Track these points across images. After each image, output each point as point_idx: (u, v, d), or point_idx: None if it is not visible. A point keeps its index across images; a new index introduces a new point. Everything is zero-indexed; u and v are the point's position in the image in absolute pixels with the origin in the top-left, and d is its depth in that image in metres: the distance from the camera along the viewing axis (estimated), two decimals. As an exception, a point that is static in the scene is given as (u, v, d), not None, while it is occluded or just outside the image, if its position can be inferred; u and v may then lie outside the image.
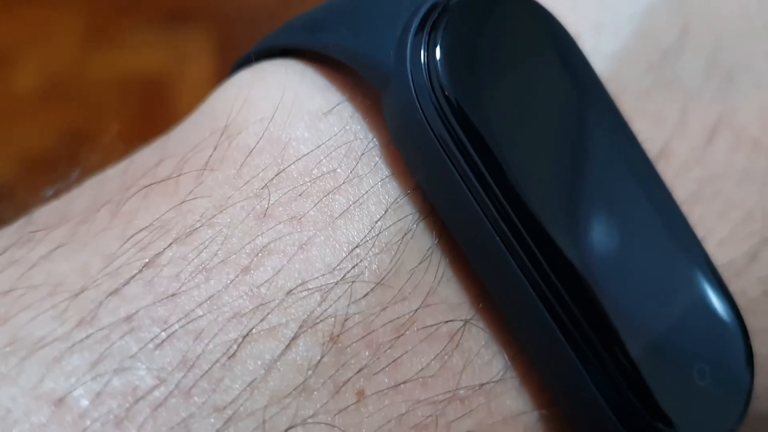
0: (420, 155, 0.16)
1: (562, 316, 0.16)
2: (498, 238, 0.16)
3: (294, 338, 0.15)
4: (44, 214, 0.17)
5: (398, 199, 0.17)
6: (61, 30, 0.59)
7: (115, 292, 0.15)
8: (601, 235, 0.17)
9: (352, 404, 0.15)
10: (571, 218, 0.16)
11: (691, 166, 0.18)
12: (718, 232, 0.18)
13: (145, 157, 0.17)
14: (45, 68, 0.58)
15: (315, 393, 0.15)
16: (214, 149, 0.17)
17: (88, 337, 0.14)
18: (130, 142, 0.19)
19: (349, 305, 0.16)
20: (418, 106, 0.16)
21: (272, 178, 0.16)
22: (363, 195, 0.16)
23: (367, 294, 0.16)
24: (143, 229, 0.16)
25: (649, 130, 0.18)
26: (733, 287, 0.18)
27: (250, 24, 0.59)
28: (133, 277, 0.15)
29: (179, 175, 0.16)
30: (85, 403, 0.14)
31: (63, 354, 0.14)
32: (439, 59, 0.16)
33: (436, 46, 0.16)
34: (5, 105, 0.56)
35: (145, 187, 0.16)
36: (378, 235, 0.16)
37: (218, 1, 0.63)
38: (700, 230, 0.18)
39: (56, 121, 0.56)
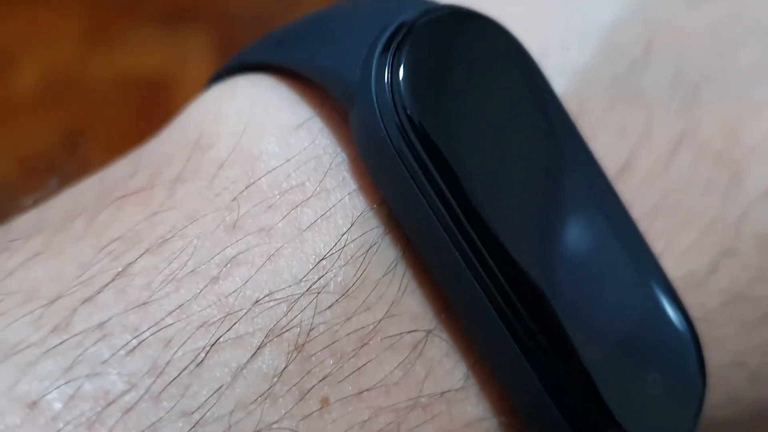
0: (384, 172, 0.17)
1: (518, 328, 0.16)
2: (457, 254, 0.16)
3: (260, 347, 0.16)
4: (22, 223, 0.17)
5: (365, 213, 0.17)
6: (61, 30, 0.60)
7: (88, 299, 0.16)
8: (557, 252, 0.17)
9: (315, 411, 0.16)
10: (528, 235, 0.17)
11: (654, 178, 0.19)
12: (679, 244, 0.19)
13: (120, 168, 0.18)
14: (45, 68, 0.58)
15: (280, 400, 0.16)
16: (187, 162, 0.17)
17: (62, 343, 0.15)
18: (131, 141, 0.19)
19: (314, 315, 0.16)
20: (382, 124, 0.16)
21: (242, 191, 0.17)
22: (330, 208, 0.17)
23: (332, 305, 0.16)
24: (116, 239, 0.16)
25: (613, 142, 0.19)
26: (693, 298, 0.19)
27: (250, 24, 0.59)
28: (106, 285, 0.16)
29: (152, 187, 0.17)
30: (58, 406, 0.15)
31: (38, 359, 0.15)
32: (402, 79, 0.17)
33: (400, 66, 0.17)
34: (5, 105, 0.56)
35: (119, 198, 0.17)
36: (344, 247, 0.17)
37: (218, 1, 0.63)
38: (662, 242, 0.19)
39: (56, 121, 0.56)
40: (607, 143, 0.19)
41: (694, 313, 0.18)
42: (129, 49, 0.59)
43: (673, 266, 0.19)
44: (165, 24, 0.60)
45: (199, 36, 0.60)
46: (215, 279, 0.16)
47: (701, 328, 0.18)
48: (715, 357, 0.19)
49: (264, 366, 0.16)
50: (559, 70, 0.19)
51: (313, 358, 0.16)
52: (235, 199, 0.17)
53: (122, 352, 0.15)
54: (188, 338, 0.15)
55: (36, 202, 0.18)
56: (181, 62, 0.59)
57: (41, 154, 0.53)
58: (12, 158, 0.55)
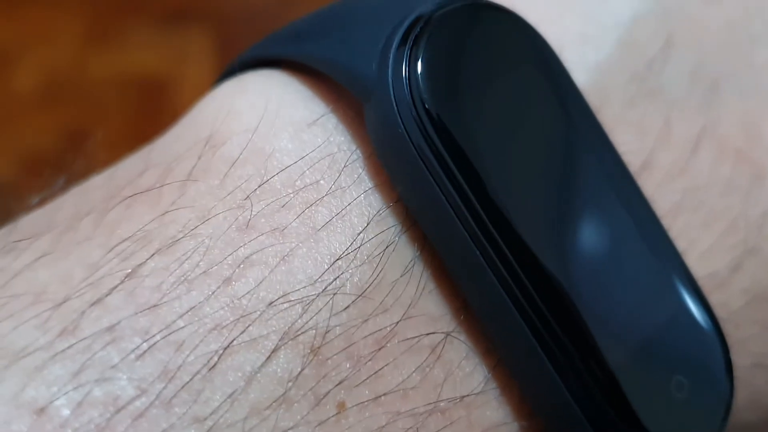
0: (401, 169, 0.16)
1: (541, 329, 0.16)
2: (478, 252, 0.16)
3: (275, 350, 0.15)
4: (29, 222, 0.17)
5: (381, 212, 0.17)
6: (61, 30, 0.59)
7: (97, 302, 0.15)
8: (580, 249, 0.17)
9: (332, 416, 0.15)
10: (550, 232, 0.17)
11: (674, 176, 0.19)
12: (701, 243, 0.18)
13: (129, 166, 0.18)
14: (45, 68, 0.58)
15: (295, 405, 0.15)
16: (198, 159, 0.17)
17: (70, 347, 0.15)
18: (130, 142, 0.19)
19: (330, 317, 0.16)
20: (399, 119, 0.16)
21: (255, 189, 0.16)
22: (346, 207, 0.16)
23: (348, 306, 0.16)
24: (126, 239, 0.16)
25: (632, 140, 0.18)
26: (716, 298, 0.18)
27: (250, 24, 0.59)
28: (115, 287, 0.15)
29: (162, 186, 0.16)
30: (66, 412, 0.14)
31: (45, 363, 0.14)
32: (420, 73, 0.16)
33: (418, 60, 0.16)
34: (5, 105, 0.56)
35: (129, 197, 0.16)
36: (360, 247, 0.16)
37: (218, 1, 0.63)
38: (683, 241, 0.18)
39: (56, 121, 0.56)
40: (626, 141, 0.18)
41: (717, 313, 0.18)
42: (129, 50, 0.59)
43: (695, 266, 0.18)
44: (165, 24, 0.60)
45: (198, 36, 0.60)
46: (228, 280, 0.15)
47: (725, 329, 0.18)
48: (737, 359, 0.18)
49: (279, 370, 0.15)
50: (577, 65, 0.18)
51: (329, 361, 0.16)
52: (247, 197, 0.16)
53: (132, 356, 0.15)
54: (200, 341, 0.15)
55: (42, 201, 0.17)
56: (180, 62, 0.59)
57: (42, 155, 0.53)
58: (12, 157, 0.55)
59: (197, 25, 0.60)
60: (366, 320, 0.16)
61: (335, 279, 0.16)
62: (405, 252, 0.17)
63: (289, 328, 0.15)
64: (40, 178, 0.18)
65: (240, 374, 0.15)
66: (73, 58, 0.58)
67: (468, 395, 0.16)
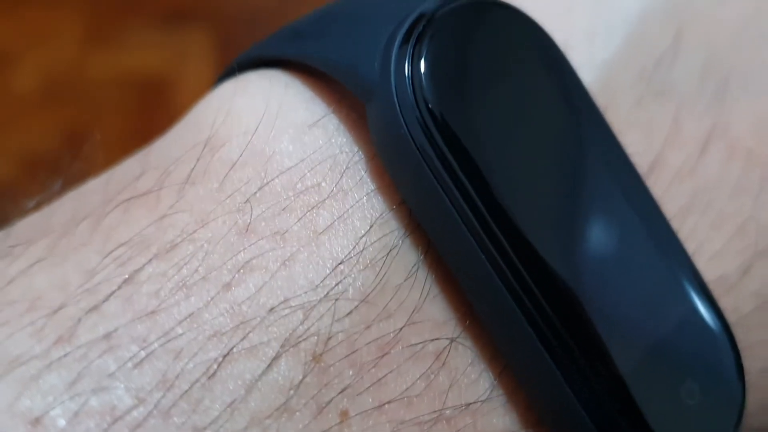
0: (404, 170, 0.16)
1: (548, 334, 0.16)
2: (483, 256, 0.16)
3: (276, 357, 0.15)
4: (24, 227, 0.17)
5: (384, 214, 0.16)
6: (61, 30, 0.59)
7: (93, 309, 0.15)
8: (588, 252, 0.16)
9: (335, 425, 0.15)
10: (557, 235, 0.16)
11: (683, 177, 0.18)
12: (710, 246, 0.18)
13: (126, 169, 0.17)
14: (45, 68, 0.58)
15: (297, 414, 0.15)
16: (197, 162, 0.16)
17: (66, 355, 0.14)
18: (130, 142, 0.18)
19: (332, 323, 0.15)
20: (402, 120, 0.16)
21: (255, 192, 0.16)
22: (348, 210, 0.16)
23: (350, 312, 0.16)
24: (123, 244, 0.15)
25: (640, 140, 0.18)
26: (726, 302, 0.18)
27: (250, 24, 0.59)
28: (112, 293, 0.15)
29: (160, 189, 0.16)
30: (62, 422, 0.14)
31: (40, 372, 0.14)
32: (424, 73, 0.16)
33: (421, 59, 0.16)
34: (5, 105, 0.56)
35: (126, 200, 0.16)
36: (362, 251, 0.16)
37: (218, 1, 0.63)
38: (692, 243, 0.18)
39: (56, 121, 0.56)
40: (634, 140, 0.18)
41: (728, 317, 0.18)
42: (129, 49, 0.59)
43: (704, 269, 0.18)
44: (165, 24, 0.60)
45: (198, 36, 0.59)
46: (227, 286, 0.15)
47: (735, 333, 0.18)
48: (747, 364, 0.18)
49: (280, 378, 0.15)
50: (585, 64, 0.18)
51: (332, 369, 0.15)
52: (247, 201, 0.16)
53: (129, 364, 0.14)
54: (199, 349, 0.15)
55: (38, 205, 0.17)
56: (181, 62, 0.59)
57: (42, 155, 0.53)
58: (12, 158, 0.55)
59: (197, 25, 0.60)
60: (369, 326, 0.16)
61: (337, 284, 0.16)
62: (408, 256, 0.16)
63: (290, 334, 0.15)
64: (39, 179, 0.18)
65: (240, 382, 0.15)
66: (73, 58, 0.58)
67: (474, 402, 0.16)
